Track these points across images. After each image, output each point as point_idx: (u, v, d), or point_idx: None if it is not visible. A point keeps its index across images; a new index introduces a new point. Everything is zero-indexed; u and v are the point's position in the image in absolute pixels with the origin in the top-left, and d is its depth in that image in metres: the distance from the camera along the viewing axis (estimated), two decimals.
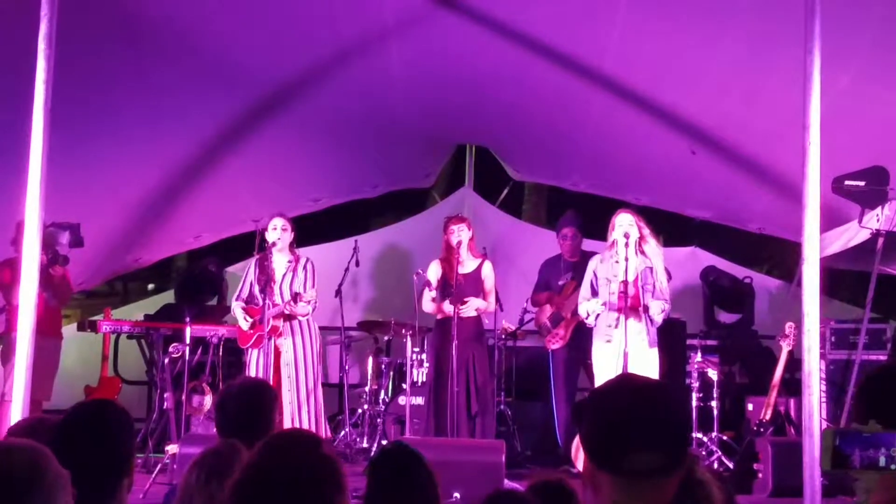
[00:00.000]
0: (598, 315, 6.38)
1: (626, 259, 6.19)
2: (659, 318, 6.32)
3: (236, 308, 6.72)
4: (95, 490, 2.34)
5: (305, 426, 6.48)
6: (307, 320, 6.67)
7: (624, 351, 6.08)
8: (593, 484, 1.75)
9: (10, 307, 6.21)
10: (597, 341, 6.42)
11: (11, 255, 6.46)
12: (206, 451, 2.54)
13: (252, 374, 6.49)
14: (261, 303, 6.58)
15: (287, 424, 6.35)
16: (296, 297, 6.47)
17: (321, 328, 8.96)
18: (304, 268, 6.66)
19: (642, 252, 6.35)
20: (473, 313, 6.87)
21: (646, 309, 6.27)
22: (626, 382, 1.83)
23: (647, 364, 6.21)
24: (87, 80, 5.94)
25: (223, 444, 2.63)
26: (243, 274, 6.99)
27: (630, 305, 6.18)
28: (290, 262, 6.66)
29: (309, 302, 6.51)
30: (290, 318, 6.58)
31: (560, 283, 7.51)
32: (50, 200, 4.34)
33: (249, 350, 6.64)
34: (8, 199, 5.06)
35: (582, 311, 6.51)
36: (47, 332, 6.28)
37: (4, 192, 5.38)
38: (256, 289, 6.66)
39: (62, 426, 2.42)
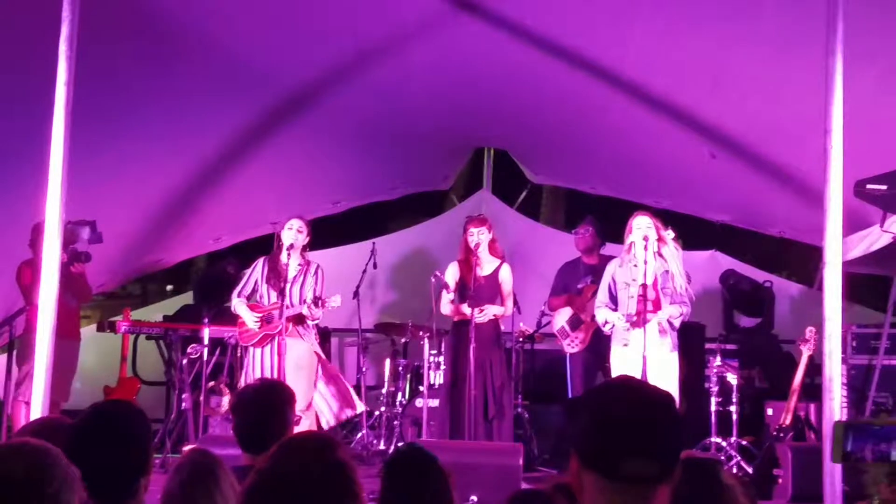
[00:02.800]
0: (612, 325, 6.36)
1: (646, 262, 6.16)
2: (676, 322, 6.27)
3: (239, 305, 6.62)
4: (113, 490, 2.35)
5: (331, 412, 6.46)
6: (313, 325, 6.62)
7: (643, 355, 6.05)
8: (577, 484, 1.73)
9: (30, 308, 6.24)
10: (614, 345, 6.39)
11: (28, 256, 6.50)
12: (186, 457, 2.56)
13: (257, 372, 6.45)
14: (266, 301, 6.55)
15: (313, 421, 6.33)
16: (317, 301, 6.41)
17: (339, 330, 9.05)
18: (315, 273, 6.60)
19: (660, 255, 6.31)
20: (492, 317, 6.85)
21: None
22: (626, 385, 1.80)
23: (668, 369, 6.17)
24: (108, 82, 5.97)
25: (201, 450, 2.65)
26: (249, 270, 6.91)
27: (648, 310, 6.14)
28: (300, 265, 6.60)
29: (324, 308, 6.46)
30: (301, 321, 6.52)
31: (579, 286, 7.48)
32: (70, 201, 4.36)
33: (252, 349, 6.58)
34: (26, 200, 5.09)
35: (600, 318, 6.47)
36: (65, 334, 6.30)
37: (22, 193, 5.42)
38: (263, 287, 6.60)
39: (79, 427, 2.42)
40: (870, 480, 1.97)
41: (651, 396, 1.74)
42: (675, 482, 1.70)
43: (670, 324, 6.24)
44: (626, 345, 6.28)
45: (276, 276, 6.47)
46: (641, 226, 6.28)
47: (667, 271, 6.28)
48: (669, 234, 6.34)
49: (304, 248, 6.66)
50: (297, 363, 6.42)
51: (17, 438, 1.94)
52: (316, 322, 6.56)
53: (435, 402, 7.25)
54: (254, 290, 6.66)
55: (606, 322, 6.38)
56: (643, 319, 6.10)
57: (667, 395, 1.77)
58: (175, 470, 2.47)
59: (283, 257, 6.53)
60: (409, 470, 2.56)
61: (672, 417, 1.72)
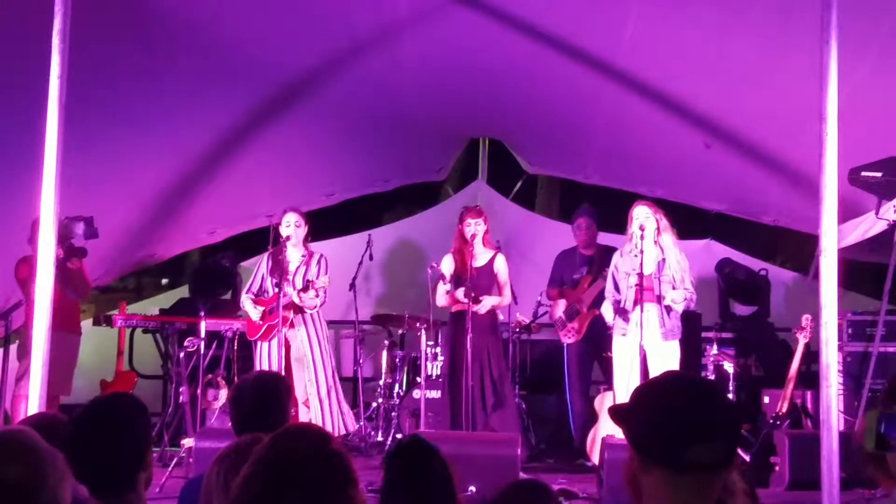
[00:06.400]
0: (615, 315, 6.37)
1: (642, 252, 6.17)
2: (679, 307, 6.26)
3: (245, 301, 6.71)
4: (113, 484, 2.35)
5: (329, 421, 6.51)
6: (317, 314, 6.65)
7: (639, 344, 6.06)
8: (637, 485, 1.75)
9: (28, 303, 6.24)
10: (615, 335, 6.43)
11: (28, 251, 6.49)
12: (229, 447, 2.54)
13: (264, 366, 6.49)
14: (270, 295, 6.61)
15: (314, 420, 6.36)
16: (307, 285, 6.46)
17: (335, 322, 9.04)
18: (318, 262, 6.66)
19: (657, 243, 6.32)
20: (490, 307, 6.84)
21: (660, 300, 6.23)
22: (677, 378, 1.85)
23: (666, 357, 6.18)
24: (102, 75, 5.96)
25: (245, 439, 2.63)
26: (255, 267, 6.99)
27: (645, 298, 6.15)
28: (303, 256, 6.68)
29: (318, 292, 6.48)
30: (300, 310, 6.56)
31: (575, 276, 7.48)
32: (65, 196, 4.34)
33: (258, 343, 6.63)
34: (24, 196, 5.07)
35: (605, 315, 6.50)
36: (66, 328, 6.32)
37: (20, 189, 5.40)
38: (269, 282, 6.66)
39: (80, 421, 2.42)
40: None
41: (703, 384, 1.82)
42: (731, 470, 1.74)
43: (669, 309, 6.24)
44: (624, 334, 6.31)
45: (279, 269, 6.53)
46: (639, 215, 6.29)
47: (663, 259, 6.29)
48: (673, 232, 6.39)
49: (306, 239, 6.73)
50: (296, 354, 6.49)
51: (11, 433, 1.90)
52: (313, 310, 6.60)
53: (432, 394, 7.26)
54: (262, 287, 6.73)
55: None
56: (641, 307, 6.10)
57: (716, 385, 1.84)
58: (218, 459, 2.46)
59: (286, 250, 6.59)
60: (411, 461, 2.56)
61: (727, 402, 1.79)
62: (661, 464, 1.70)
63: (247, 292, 6.79)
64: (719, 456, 1.71)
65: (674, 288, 6.25)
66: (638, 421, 1.75)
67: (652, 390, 1.81)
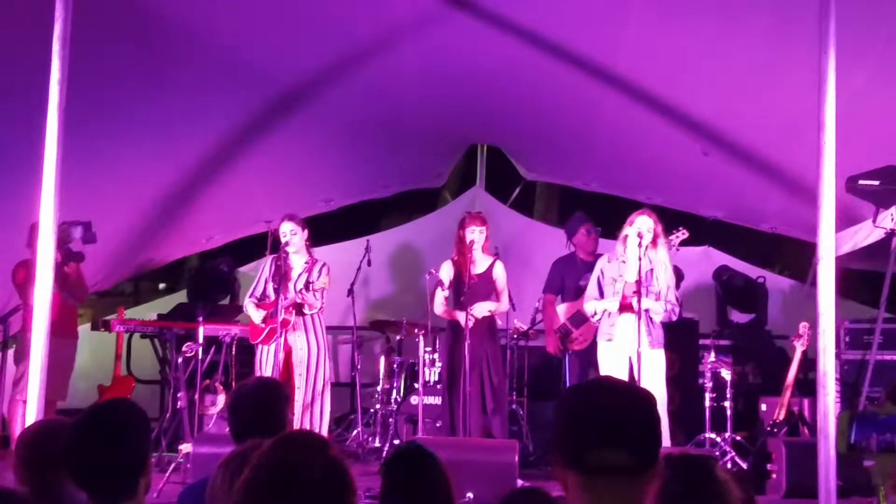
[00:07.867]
0: (604, 313, 6.37)
1: (640, 259, 6.17)
2: (656, 318, 6.26)
3: (248, 305, 6.73)
4: (113, 490, 2.35)
5: (325, 427, 6.53)
6: (318, 318, 6.66)
7: (637, 352, 6.06)
8: (562, 483, 1.75)
9: (25, 307, 6.24)
10: (600, 340, 6.43)
11: (26, 256, 6.49)
12: (234, 452, 2.54)
13: (266, 371, 6.49)
14: (273, 300, 6.63)
15: (312, 425, 6.39)
16: (307, 285, 6.49)
17: (333, 328, 9.04)
18: (320, 270, 6.68)
19: (646, 255, 6.32)
20: (487, 313, 6.83)
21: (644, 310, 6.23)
22: (598, 383, 1.84)
23: (651, 364, 6.17)
24: (101, 80, 5.97)
25: (250, 445, 2.63)
26: (258, 273, 7.00)
27: (629, 305, 6.17)
28: (306, 262, 6.70)
29: (317, 292, 6.50)
30: (301, 312, 6.58)
31: (581, 283, 7.42)
32: (64, 200, 4.35)
33: (260, 346, 6.64)
34: (23, 200, 5.08)
35: (589, 309, 6.50)
36: (63, 333, 6.31)
37: (20, 193, 5.41)
38: (271, 287, 6.67)
39: (78, 427, 2.42)
40: (877, 471, 1.98)
41: (620, 391, 1.78)
42: (654, 478, 1.71)
43: (651, 319, 6.24)
44: (609, 340, 6.32)
45: (281, 274, 6.55)
46: (642, 225, 6.25)
47: (650, 270, 6.29)
48: (678, 236, 6.37)
49: (308, 245, 6.75)
50: (297, 358, 6.51)
51: None
52: (314, 311, 6.62)
53: (430, 399, 7.26)
54: (265, 292, 6.74)
55: (596, 313, 6.40)
56: (639, 314, 6.11)
57: (639, 391, 1.80)
58: (223, 464, 2.47)
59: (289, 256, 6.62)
60: (409, 467, 2.57)
61: (642, 411, 1.73)
62: (571, 466, 1.70)
63: (250, 296, 6.80)
64: (624, 463, 1.68)
65: (657, 300, 6.26)
66: (553, 423, 1.76)
67: (569, 395, 1.82)
